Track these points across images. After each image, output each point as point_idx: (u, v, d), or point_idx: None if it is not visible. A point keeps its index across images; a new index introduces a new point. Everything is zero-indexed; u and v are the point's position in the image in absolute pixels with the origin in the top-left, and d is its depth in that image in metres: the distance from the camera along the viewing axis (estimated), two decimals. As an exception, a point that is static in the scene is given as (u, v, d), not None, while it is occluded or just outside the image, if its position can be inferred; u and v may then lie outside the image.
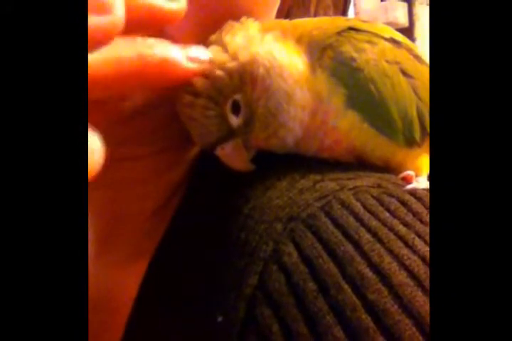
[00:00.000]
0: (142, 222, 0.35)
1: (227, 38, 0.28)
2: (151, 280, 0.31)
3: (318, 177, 0.27)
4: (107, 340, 0.32)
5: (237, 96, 0.28)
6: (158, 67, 0.23)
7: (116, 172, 0.33)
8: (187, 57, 0.24)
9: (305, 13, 0.39)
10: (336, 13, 0.43)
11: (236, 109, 0.28)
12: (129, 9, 0.21)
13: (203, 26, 0.29)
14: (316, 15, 0.40)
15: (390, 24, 1.94)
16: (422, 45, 1.86)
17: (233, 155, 0.29)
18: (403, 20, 1.96)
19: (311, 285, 0.22)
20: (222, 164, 0.29)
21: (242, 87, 0.27)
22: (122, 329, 0.31)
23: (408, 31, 1.97)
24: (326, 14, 0.41)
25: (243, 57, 0.27)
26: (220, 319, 0.24)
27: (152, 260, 0.32)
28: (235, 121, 0.28)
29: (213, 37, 0.28)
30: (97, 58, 0.21)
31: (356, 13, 1.92)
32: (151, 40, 0.23)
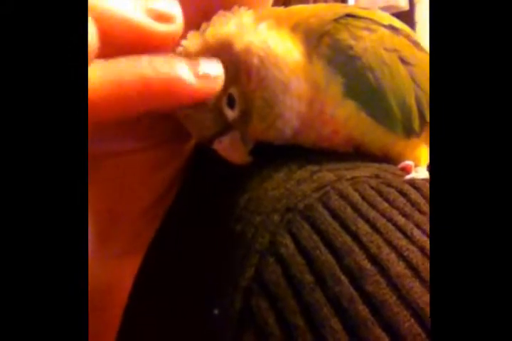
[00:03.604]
0: (138, 216, 0.34)
1: (220, 28, 0.27)
2: (146, 273, 0.31)
3: (315, 167, 0.27)
4: (102, 335, 0.32)
5: (232, 89, 0.27)
6: (162, 88, 0.21)
7: (111, 168, 0.33)
8: (196, 74, 0.22)
9: (304, 2, 0.38)
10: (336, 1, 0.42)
11: (231, 102, 0.27)
12: (116, 29, 0.20)
13: (196, 17, 0.28)
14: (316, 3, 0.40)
15: (390, 7, 1.92)
16: (423, 28, 1.84)
17: (231, 149, 0.28)
18: (403, 3, 1.93)
19: (308, 277, 0.22)
20: (220, 157, 0.29)
21: (236, 79, 0.27)
22: (117, 324, 0.31)
23: (409, 15, 1.95)
24: (325, 2, 0.41)
25: (237, 47, 0.27)
26: (216, 312, 0.24)
27: (147, 253, 0.32)
28: (231, 114, 0.28)
29: (204, 26, 0.28)
30: (97, 78, 0.19)
31: (356, -3, 1.89)
32: (157, 59, 0.21)
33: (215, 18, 0.28)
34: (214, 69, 0.23)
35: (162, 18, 0.21)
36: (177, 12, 0.21)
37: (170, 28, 0.21)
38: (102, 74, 0.20)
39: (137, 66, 0.20)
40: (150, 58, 0.21)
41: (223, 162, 0.29)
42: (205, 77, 0.22)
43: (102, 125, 0.20)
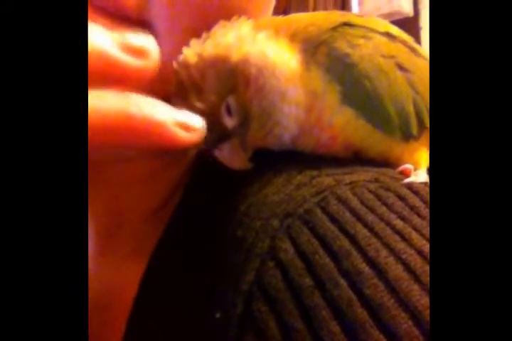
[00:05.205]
0: (142, 221, 0.35)
1: (219, 39, 0.28)
2: (150, 278, 0.32)
3: (314, 172, 0.27)
4: (108, 338, 0.32)
5: (230, 98, 0.28)
6: (143, 128, 0.21)
7: (115, 173, 0.33)
8: (176, 122, 0.22)
9: (304, 10, 0.39)
10: (335, 8, 0.43)
11: (229, 110, 0.28)
12: (90, 61, 0.20)
13: (196, 26, 0.29)
14: (315, 10, 0.40)
15: (394, 13, 1.92)
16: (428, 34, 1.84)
17: (231, 156, 0.29)
18: (408, 9, 1.94)
19: (308, 281, 0.22)
20: (220, 163, 0.29)
21: (234, 88, 0.28)
22: (117, 325, 0.31)
23: (413, 20, 1.95)
24: (325, 9, 0.41)
25: (235, 57, 0.27)
26: (218, 315, 0.24)
27: (151, 258, 0.32)
28: (229, 122, 0.28)
29: (204, 36, 0.28)
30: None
31: (360, 3, 1.90)
32: (143, 99, 0.21)
33: (214, 29, 0.28)
34: (194, 122, 0.23)
35: (137, 53, 0.21)
36: (152, 48, 0.22)
37: (143, 63, 0.22)
38: (91, 102, 0.20)
39: (124, 102, 0.21)
40: (137, 97, 0.21)
41: (224, 168, 0.29)
42: (185, 126, 0.22)
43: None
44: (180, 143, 0.22)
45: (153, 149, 0.22)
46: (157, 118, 0.21)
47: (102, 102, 0.20)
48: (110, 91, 0.21)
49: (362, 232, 0.23)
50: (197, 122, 0.23)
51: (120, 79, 0.21)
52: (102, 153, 0.22)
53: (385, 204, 0.24)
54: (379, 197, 0.25)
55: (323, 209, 0.24)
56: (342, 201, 0.24)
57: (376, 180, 0.26)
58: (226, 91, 0.27)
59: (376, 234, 0.23)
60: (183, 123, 0.22)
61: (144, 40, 0.22)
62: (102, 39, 0.21)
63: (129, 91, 0.21)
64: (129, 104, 0.21)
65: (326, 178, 0.26)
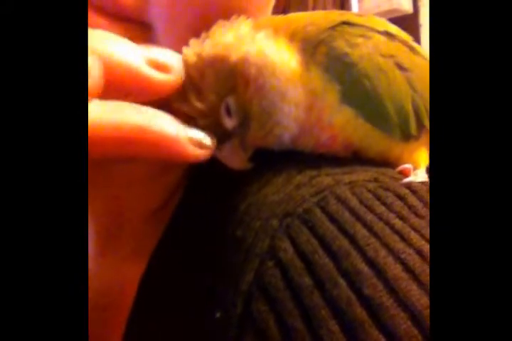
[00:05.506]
0: (142, 221, 0.35)
1: (218, 38, 0.28)
2: (149, 278, 0.32)
3: (314, 172, 0.27)
4: (108, 338, 0.33)
5: (229, 98, 0.28)
6: (155, 142, 0.22)
7: (115, 173, 0.33)
8: (188, 138, 0.23)
9: (303, 9, 0.39)
10: (334, 6, 0.43)
11: (229, 110, 0.28)
12: (117, 72, 0.21)
13: (195, 26, 0.29)
14: (314, 9, 0.40)
15: (394, 11, 1.92)
16: (428, 31, 1.84)
17: (231, 156, 0.29)
18: (407, 6, 1.93)
19: (307, 280, 0.22)
20: (220, 163, 0.29)
21: (234, 88, 0.27)
22: (123, 327, 0.32)
23: (413, 18, 1.95)
24: (325, 8, 0.41)
25: (234, 57, 0.27)
26: (217, 315, 0.24)
27: (151, 258, 0.32)
28: (229, 122, 0.28)
29: (203, 36, 0.28)
30: (98, 117, 0.20)
31: (360, 1, 1.89)
32: (158, 114, 0.22)
33: (214, 29, 0.28)
34: (205, 139, 0.24)
35: (161, 67, 0.22)
36: (176, 63, 0.23)
37: (167, 78, 0.23)
38: (105, 115, 0.20)
39: (141, 116, 0.21)
40: (153, 112, 0.22)
41: (224, 168, 0.29)
42: (197, 143, 0.23)
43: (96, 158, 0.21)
44: (190, 159, 0.23)
45: (163, 161, 0.23)
46: (170, 133, 0.22)
47: (119, 115, 0.21)
48: (128, 104, 0.21)
49: (361, 232, 0.23)
50: (207, 140, 0.24)
51: (143, 91, 0.22)
52: (109, 157, 0.22)
53: (384, 203, 0.24)
54: (378, 197, 0.25)
55: (323, 209, 0.24)
56: (341, 201, 0.25)
57: (375, 180, 0.26)
58: (225, 91, 0.27)
59: (375, 234, 0.23)
60: (195, 139, 0.23)
61: (169, 56, 0.23)
62: (130, 52, 0.22)
63: (149, 103, 0.22)
64: (145, 118, 0.21)
65: (326, 178, 0.26)
